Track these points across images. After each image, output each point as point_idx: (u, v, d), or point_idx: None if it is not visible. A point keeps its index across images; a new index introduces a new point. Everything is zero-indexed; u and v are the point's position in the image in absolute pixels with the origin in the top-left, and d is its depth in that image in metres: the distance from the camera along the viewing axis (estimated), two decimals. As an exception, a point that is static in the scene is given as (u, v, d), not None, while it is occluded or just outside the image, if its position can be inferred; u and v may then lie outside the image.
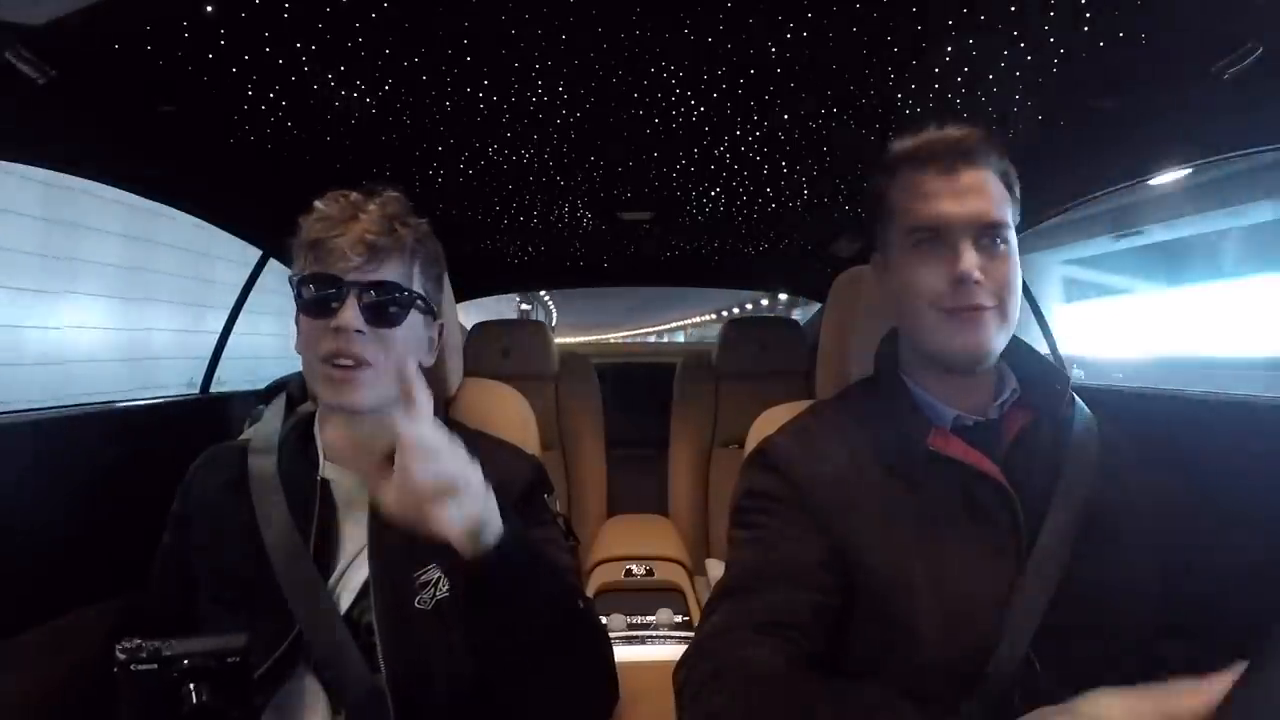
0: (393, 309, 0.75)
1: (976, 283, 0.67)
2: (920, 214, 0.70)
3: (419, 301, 0.78)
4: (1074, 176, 1.29)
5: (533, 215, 1.72)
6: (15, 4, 0.74)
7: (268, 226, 1.43)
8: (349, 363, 0.73)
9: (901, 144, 0.74)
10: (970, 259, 0.67)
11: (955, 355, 0.70)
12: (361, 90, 1.01)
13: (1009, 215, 0.71)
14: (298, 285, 0.75)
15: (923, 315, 0.71)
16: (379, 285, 0.74)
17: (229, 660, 0.59)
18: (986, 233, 0.69)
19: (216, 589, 0.78)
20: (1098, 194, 1.35)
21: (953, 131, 0.71)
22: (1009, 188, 0.72)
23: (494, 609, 0.63)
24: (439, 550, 0.76)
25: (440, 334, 0.86)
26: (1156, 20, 0.81)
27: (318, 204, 0.77)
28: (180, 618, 0.80)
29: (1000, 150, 0.72)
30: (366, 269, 0.73)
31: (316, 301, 0.74)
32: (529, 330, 2.15)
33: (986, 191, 0.70)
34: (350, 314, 0.72)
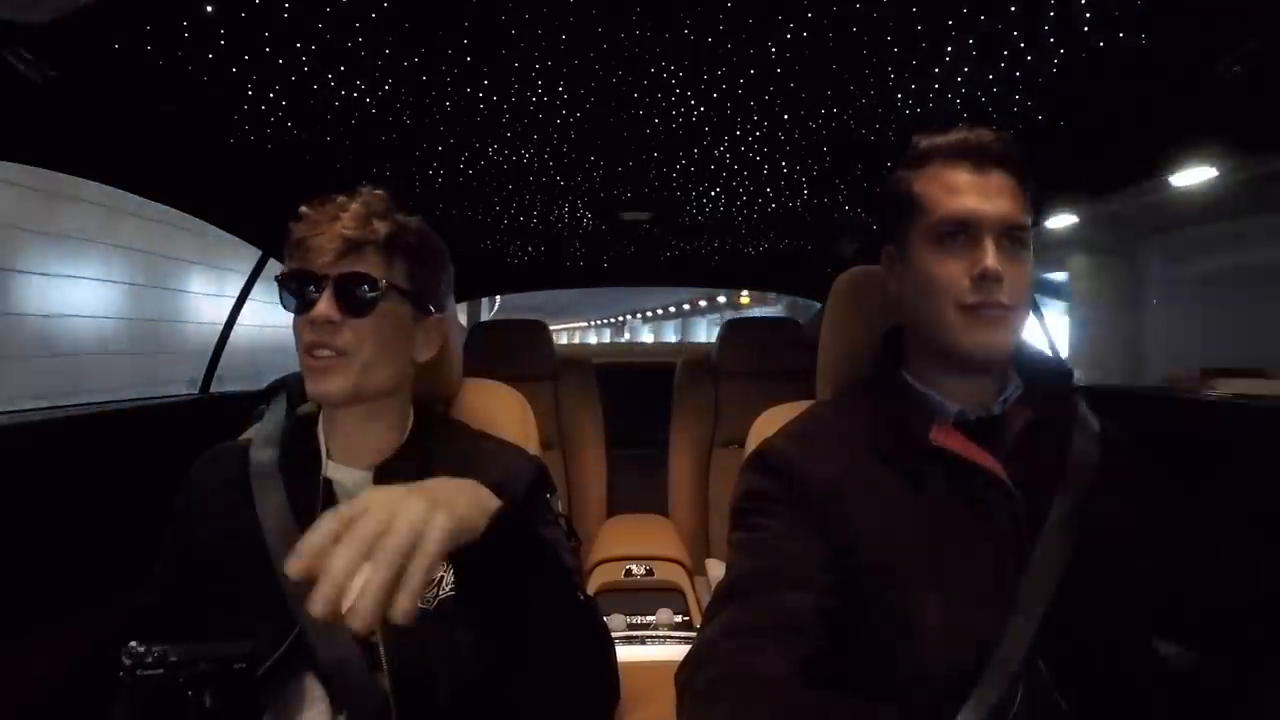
0: (363, 298, 0.76)
1: (998, 281, 0.68)
2: (949, 207, 0.71)
3: (395, 292, 0.79)
4: (1074, 179, 1.29)
5: (533, 215, 1.72)
6: (15, 4, 0.74)
7: (268, 226, 1.43)
8: (326, 353, 0.75)
9: (931, 138, 0.75)
10: (995, 257, 0.68)
11: (971, 353, 0.70)
12: (361, 90, 1.01)
13: (1029, 222, 0.72)
14: (281, 284, 0.78)
15: (942, 310, 0.71)
16: (350, 276, 0.76)
17: (235, 666, 0.58)
18: (1009, 234, 0.70)
19: (217, 588, 0.78)
20: (1097, 197, 1.35)
21: (984, 133, 0.72)
22: (1027, 196, 0.73)
23: (494, 596, 0.63)
24: None
25: (439, 331, 0.86)
26: (1157, 20, 0.81)
27: (303, 208, 0.79)
28: (180, 617, 0.80)
29: (1023, 159, 0.73)
30: (342, 263, 0.76)
31: (297, 297, 0.77)
32: (529, 330, 2.14)
33: (1013, 194, 0.71)
34: (324, 306, 0.74)
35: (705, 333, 25.04)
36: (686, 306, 26.14)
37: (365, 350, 0.76)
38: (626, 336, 30.95)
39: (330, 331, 0.75)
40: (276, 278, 0.79)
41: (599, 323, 33.30)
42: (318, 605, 0.45)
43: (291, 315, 0.78)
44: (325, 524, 0.48)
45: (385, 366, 0.79)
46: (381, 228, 0.77)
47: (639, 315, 31.97)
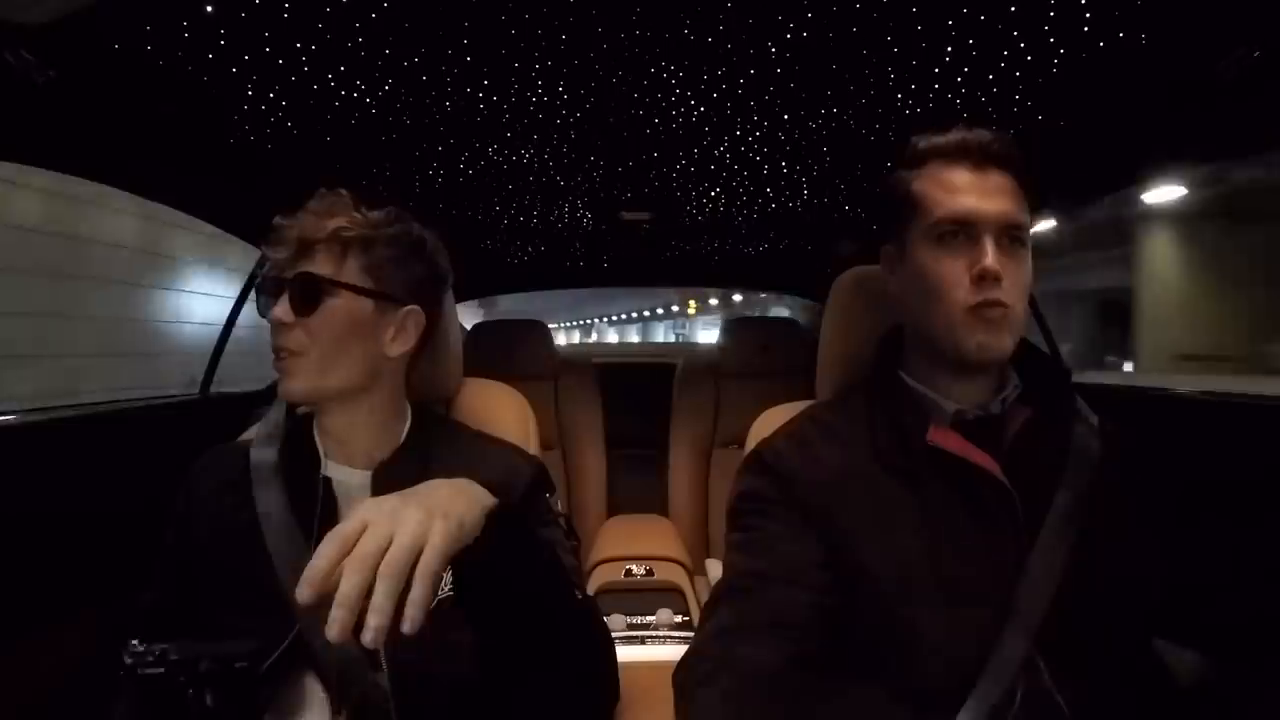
0: (307, 297, 0.78)
1: (998, 280, 0.68)
2: (948, 207, 0.71)
3: (344, 288, 0.78)
4: (1073, 180, 1.29)
5: (533, 215, 1.72)
6: (15, 4, 0.74)
7: (267, 227, 1.43)
8: (284, 354, 0.77)
9: (929, 138, 0.75)
10: (995, 256, 0.68)
11: (971, 352, 0.70)
12: (361, 90, 1.01)
13: (1028, 220, 0.72)
14: (257, 294, 0.81)
15: (942, 310, 0.71)
16: (299, 277, 0.78)
17: (236, 665, 0.58)
18: (1008, 233, 0.70)
19: (217, 588, 0.78)
20: (1097, 198, 1.35)
21: (984, 132, 0.72)
22: (1026, 195, 0.73)
23: (491, 594, 0.63)
24: None
25: (416, 323, 0.84)
26: (1156, 21, 0.81)
27: (276, 219, 0.80)
28: (181, 617, 0.80)
29: (1022, 157, 0.73)
30: (295, 265, 0.78)
31: (263, 304, 0.80)
32: (529, 330, 2.14)
33: (1012, 193, 0.71)
34: (279, 309, 0.77)
35: (662, 334, 31.61)
36: (647, 313, 32.52)
37: (316, 348, 0.77)
38: (594, 337, 36.58)
39: (284, 333, 0.77)
40: (255, 288, 0.83)
41: (569, 324, 38.48)
42: (334, 630, 0.46)
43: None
44: (328, 546, 0.49)
45: (344, 363, 0.79)
46: (330, 225, 0.78)
47: (605, 319, 37.87)
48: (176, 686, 0.57)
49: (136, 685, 0.57)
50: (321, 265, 0.78)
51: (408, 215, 0.85)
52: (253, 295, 1.61)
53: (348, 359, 0.79)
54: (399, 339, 0.83)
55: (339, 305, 0.78)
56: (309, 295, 0.77)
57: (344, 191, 0.82)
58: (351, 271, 0.79)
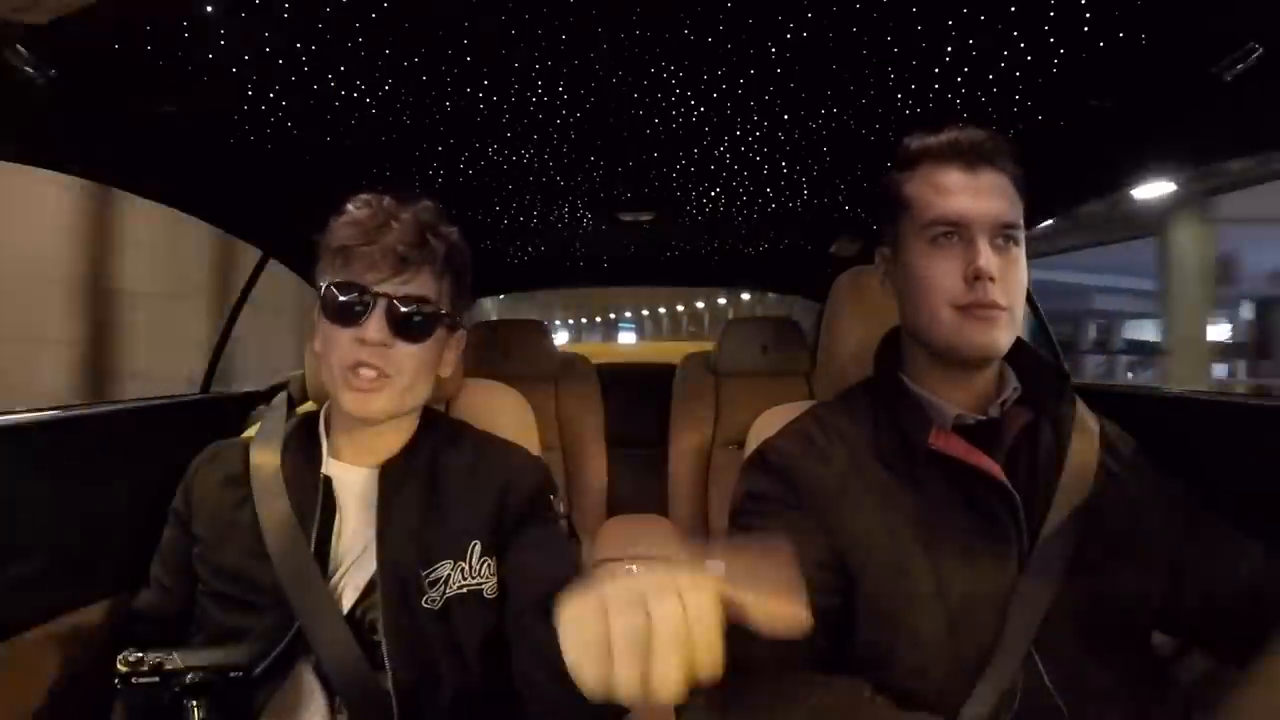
0: (419, 324, 0.75)
1: (991, 280, 0.68)
2: (939, 208, 0.71)
3: (443, 315, 0.78)
4: (1073, 180, 1.29)
5: (533, 215, 1.72)
6: (15, 4, 0.74)
7: (268, 227, 1.43)
8: (372, 374, 0.73)
9: (921, 140, 0.75)
10: (988, 256, 0.68)
11: (964, 349, 0.70)
12: (361, 90, 1.01)
13: (1021, 219, 0.72)
14: (325, 291, 0.75)
15: (935, 310, 0.71)
16: (407, 299, 0.74)
17: (231, 675, 0.58)
18: (1001, 233, 0.70)
19: (217, 585, 0.78)
20: (1097, 198, 1.35)
21: (975, 132, 0.72)
22: (1020, 193, 0.73)
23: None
24: (448, 548, 0.76)
25: (459, 347, 0.86)
26: (1156, 20, 0.81)
27: (349, 207, 0.76)
28: (180, 615, 0.80)
29: (1016, 155, 0.73)
30: (395, 281, 0.74)
31: (342, 310, 0.74)
32: (529, 330, 2.14)
33: (1005, 193, 0.71)
34: (375, 327, 0.72)
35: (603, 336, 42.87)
36: (613, 316, 40.92)
37: (408, 372, 0.75)
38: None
39: (380, 354, 0.73)
40: (319, 284, 0.77)
41: (538, 323, 48.32)
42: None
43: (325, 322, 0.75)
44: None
45: (423, 386, 0.79)
46: (438, 246, 0.76)
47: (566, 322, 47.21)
48: (170, 697, 0.56)
49: (130, 695, 0.57)
50: (425, 287, 0.75)
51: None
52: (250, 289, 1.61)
53: (425, 383, 0.79)
54: (450, 362, 0.84)
55: (439, 333, 0.77)
56: (415, 319, 0.74)
57: (431, 203, 0.78)
58: (445, 297, 0.77)
